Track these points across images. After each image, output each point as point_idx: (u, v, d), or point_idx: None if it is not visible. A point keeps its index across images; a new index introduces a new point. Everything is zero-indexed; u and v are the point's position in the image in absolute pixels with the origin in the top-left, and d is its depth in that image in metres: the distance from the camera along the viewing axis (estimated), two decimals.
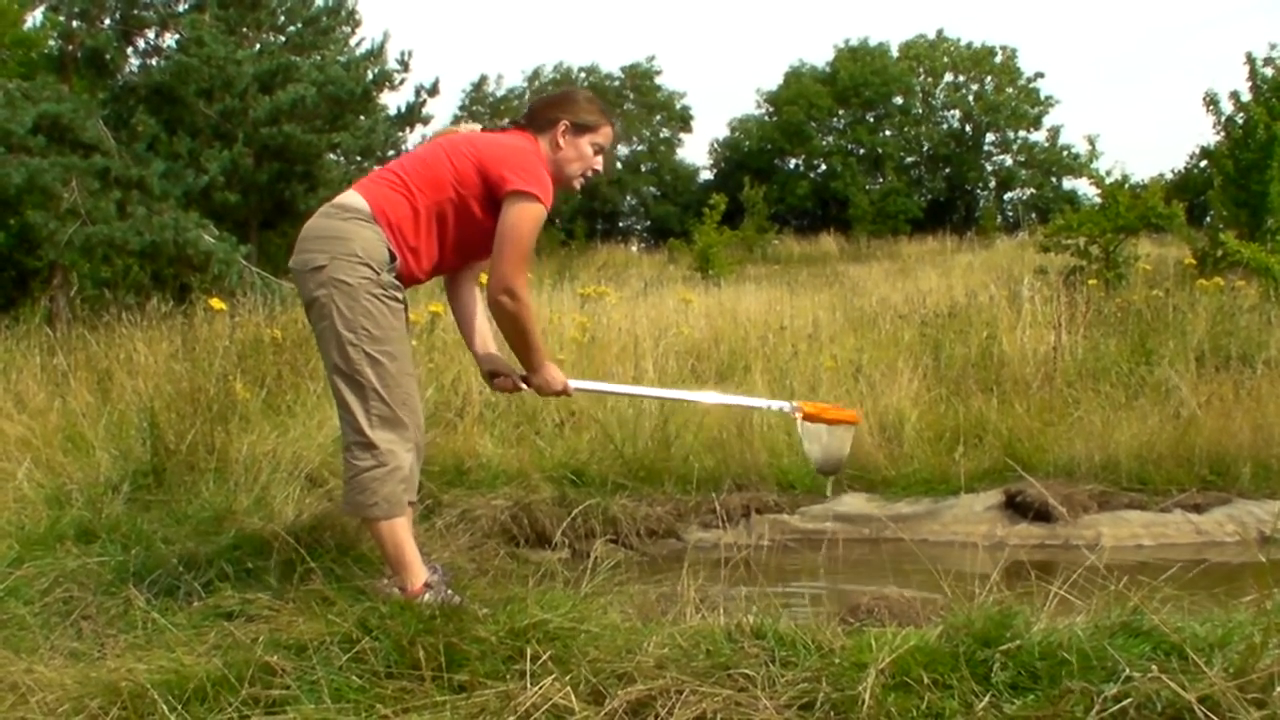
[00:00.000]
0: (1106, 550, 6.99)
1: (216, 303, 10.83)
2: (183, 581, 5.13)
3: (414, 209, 4.90)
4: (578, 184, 5.27)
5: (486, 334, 5.51)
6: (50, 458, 7.29)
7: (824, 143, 57.79)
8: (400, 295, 4.90)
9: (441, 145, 5.08)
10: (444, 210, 4.93)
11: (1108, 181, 19.52)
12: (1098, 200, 19.92)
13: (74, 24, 15.74)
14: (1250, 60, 20.64)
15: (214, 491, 6.67)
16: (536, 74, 61.62)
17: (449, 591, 4.86)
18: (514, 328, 4.94)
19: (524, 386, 5.40)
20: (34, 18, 19.46)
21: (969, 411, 9.20)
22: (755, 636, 4.17)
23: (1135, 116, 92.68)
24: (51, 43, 18.74)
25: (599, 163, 5.25)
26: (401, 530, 4.87)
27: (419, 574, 4.84)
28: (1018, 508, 7.86)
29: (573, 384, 5.43)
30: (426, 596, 4.71)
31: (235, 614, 4.70)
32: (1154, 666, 3.57)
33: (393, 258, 4.83)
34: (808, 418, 5.63)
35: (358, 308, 4.74)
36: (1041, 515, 7.70)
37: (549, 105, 5.25)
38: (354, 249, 4.77)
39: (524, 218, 4.83)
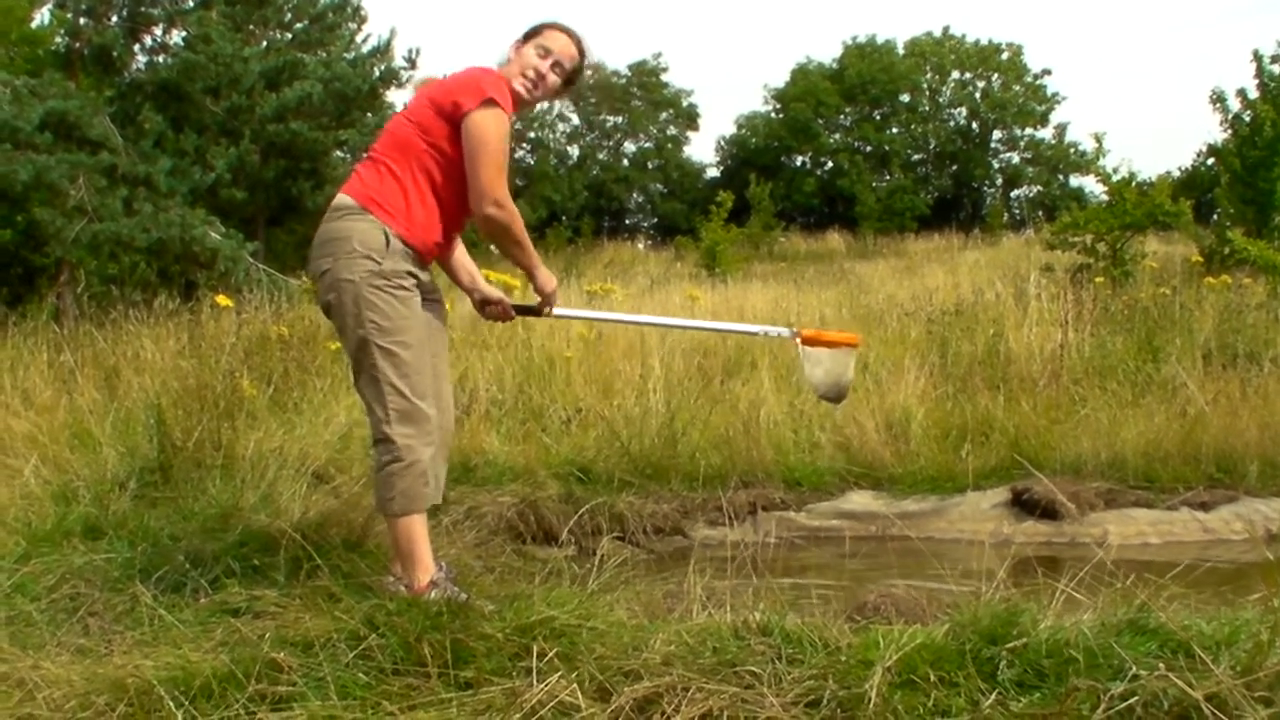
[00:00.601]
0: (1113, 548, 6.99)
1: (223, 299, 10.84)
2: (189, 578, 5.14)
3: (397, 180, 4.93)
4: (524, 92, 5.15)
5: (471, 266, 5.54)
6: (57, 454, 7.30)
7: (831, 140, 57.75)
8: (409, 283, 4.90)
9: (399, 111, 5.17)
10: (426, 166, 4.95)
11: (1114, 179, 19.50)
12: (1105, 197, 19.86)
13: (81, 21, 15.77)
14: (1257, 58, 20.68)
15: (221, 488, 6.67)
16: None
17: (455, 588, 4.87)
18: (507, 236, 4.99)
19: (514, 314, 5.52)
20: (41, 15, 19.50)
21: (975, 409, 9.20)
22: (762, 634, 4.17)
23: (1142, 113, 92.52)
24: (58, 40, 18.79)
25: (544, 65, 5.15)
26: (417, 526, 4.88)
27: (427, 571, 4.85)
28: (1024, 505, 7.85)
29: (558, 310, 5.53)
30: (433, 593, 4.71)
31: (242, 611, 4.71)
32: (1161, 664, 3.58)
33: (389, 241, 4.83)
34: (806, 341, 5.67)
35: (363, 301, 4.78)
36: (1048, 513, 7.69)
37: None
38: (352, 245, 4.81)
39: (486, 125, 4.85)
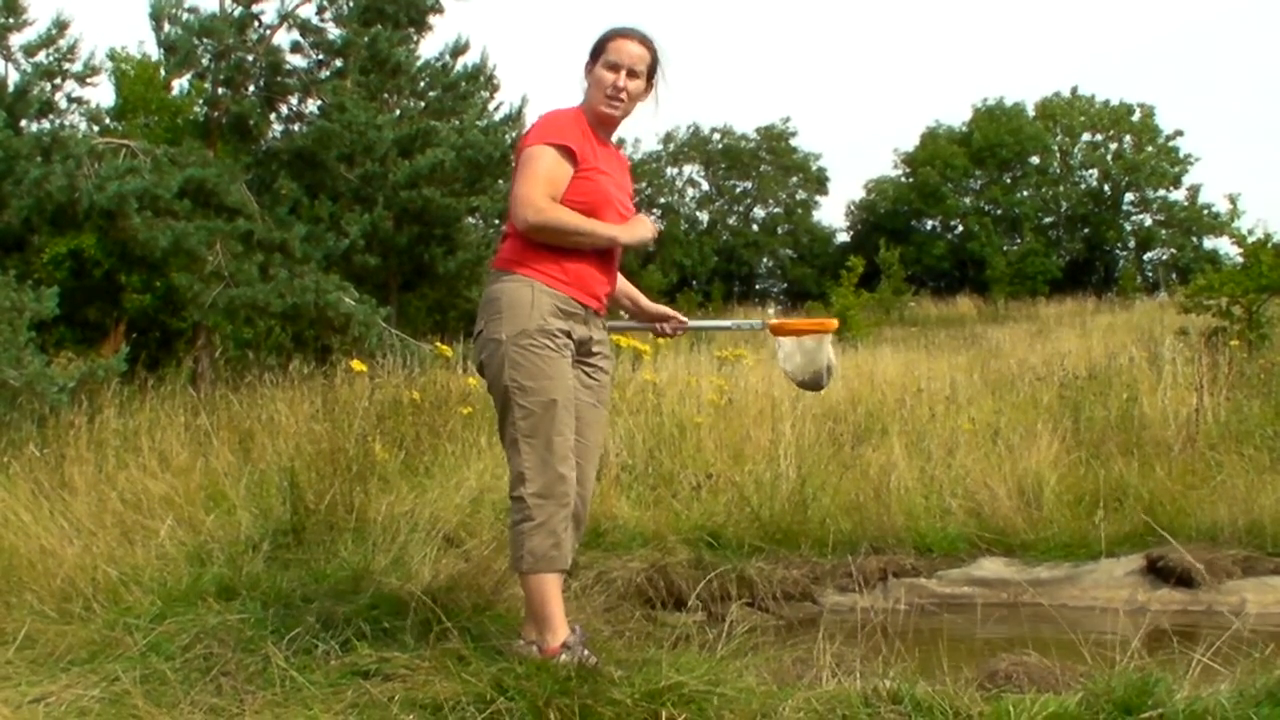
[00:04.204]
0: (1251, 616, 6.86)
1: (357, 364, 10.94)
2: (321, 640, 5.17)
3: (530, 239, 5.01)
4: (610, 110, 5.23)
5: (630, 291, 5.66)
6: (192, 516, 7.39)
7: (960, 203, 57.53)
8: (557, 342, 4.97)
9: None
10: None
11: (1250, 240, 19.22)
12: (1240, 259, 19.58)
13: (219, 91, 16.01)
14: None
15: (352, 551, 6.72)
16: (670, 136, 62.04)
17: (586, 652, 4.87)
18: (560, 231, 5.00)
19: (688, 325, 5.70)
20: (180, 84, 19.86)
21: (1109, 475, 9.05)
22: (892, 701, 4.14)
23: (1277, 173, 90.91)
24: (197, 109, 19.12)
25: (619, 78, 5.17)
26: (550, 586, 4.90)
27: (559, 634, 4.86)
28: (1159, 573, 7.71)
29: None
30: (563, 657, 4.72)
31: (372, 673, 4.74)
32: None
33: (535, 298, 4.92)
34: (775, 331, 5.67)
35: (508, 359, 4.88)
36: (1184, 580, 7.55)
37: None
38: (500, 305, 4.94)
39: (528, 155, 5.00)
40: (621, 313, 5.73)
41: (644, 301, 5.70)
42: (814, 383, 5.81)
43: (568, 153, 5.02)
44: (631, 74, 5.19)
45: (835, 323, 5.91)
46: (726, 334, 14.55)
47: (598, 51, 5.23)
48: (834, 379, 5.99)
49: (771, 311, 43.23)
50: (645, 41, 5.27)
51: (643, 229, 5.25)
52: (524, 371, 4.86)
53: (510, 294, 4.93)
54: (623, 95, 5.19)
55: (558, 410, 4.91)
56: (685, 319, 5.69)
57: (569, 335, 5.02)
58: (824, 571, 7.73)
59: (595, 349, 5.22)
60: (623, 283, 5.57)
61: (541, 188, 4.94)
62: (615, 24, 5.28)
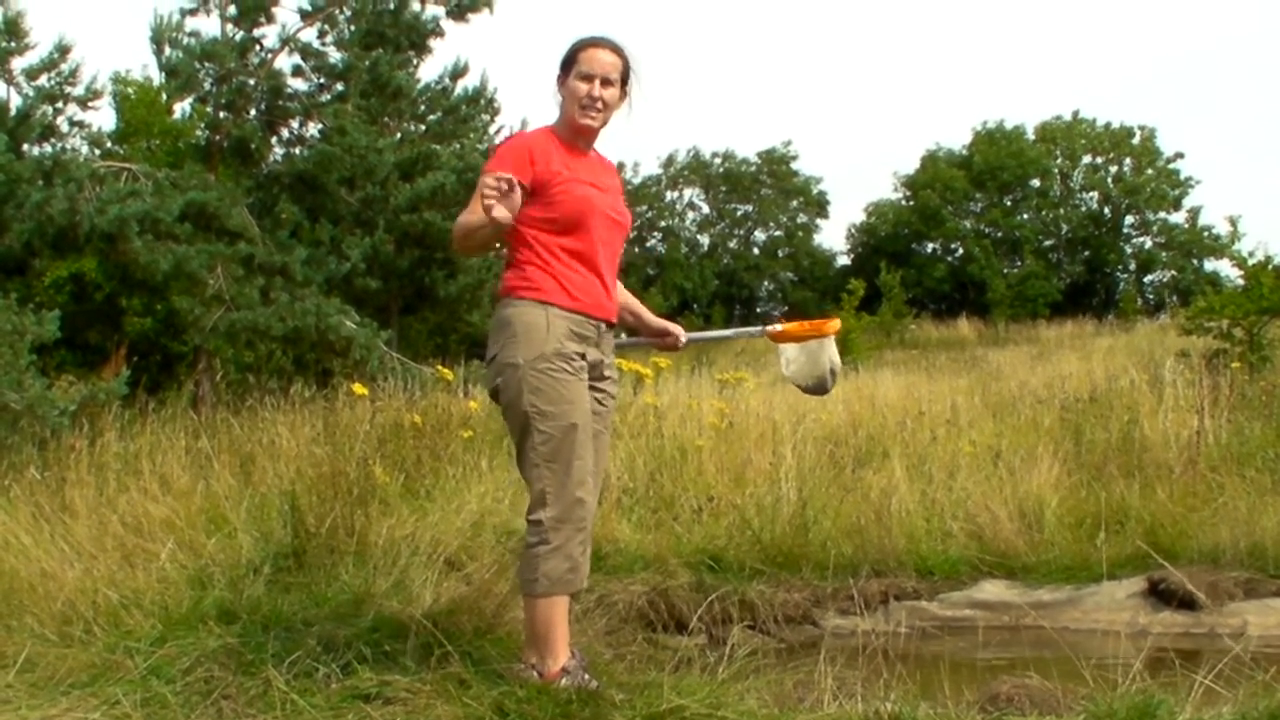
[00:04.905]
0: (1253, 639, 6.84)
1: (358, 388, 10.93)
2: (321, 663, 5.16)
3: (537, 260, 5.05)
4: (588, 120, 5.24)
5: (632, 304, 5.70)
6: (193, 539, 7.37)
7: (961, 226, 57.58)
8: (574, 365, 4.97)
9: None
10: (543, 239, 5.07)
11: (1250, 263, 19.19)
12: (1240, 282, 19.57)
13: (220, 114, 16.03)
14: None
15: (353, 574, 6.71)
16: (671, 160, 62.14)
17: (586, 676, 4.86)
18: (464, 236, 4.99)
19: (684, 342, 5.75)
20: (182, 108, 19.90)
21: (1110, 497, 9.05)
22: None
23: (1278, 196, 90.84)
24: (198, 133, 19.15)
25: (594, 89, 5.17)
26: (558, 610, 4.90)
27: (560, 658, 4.85)
28: (1161, 595, 7.71)
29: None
30: (563, 681, 4.71)
31: (373, 696, 4.73)
32: None
33: (550, 321, 4.93)
34: (775, 339, 5.68)
35: (526, 384, 4.88)
36: (1185, 603, 7.54)
37: None
38: (514, 329, 4.94)
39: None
40: (622, 332, 5.74)
41: (647, 315, 5.72)
42: (819, 387, 5.81)
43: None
44: (605, 82, 5.20)
45: (836, 322, 5.89)
46: (728, 358, 14.53)
47: (568, 63, 5.24)
48: (838, 381, 5.96)
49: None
50: (616, 49, 5.28)
51: (481, 194, 4.72)
52: (543, 396, 4.86)
53: (523, 317, 4.94)
54: (599, 105, 5.20)
55: (577, 434, 4.91)
56: (679, 333, 5.71)
57: (584, 358, 5.03)
58: (825, 594, 7.74)
59: (606, 373, 5.24)
60: (627, 297, 5.59)
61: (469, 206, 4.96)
62: (583, 34, 5.30)
